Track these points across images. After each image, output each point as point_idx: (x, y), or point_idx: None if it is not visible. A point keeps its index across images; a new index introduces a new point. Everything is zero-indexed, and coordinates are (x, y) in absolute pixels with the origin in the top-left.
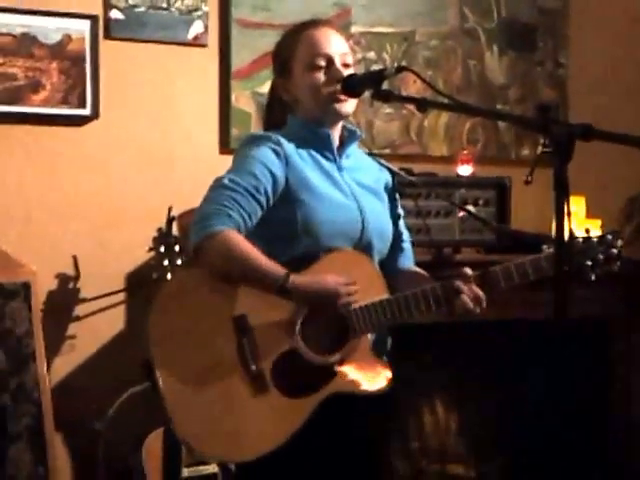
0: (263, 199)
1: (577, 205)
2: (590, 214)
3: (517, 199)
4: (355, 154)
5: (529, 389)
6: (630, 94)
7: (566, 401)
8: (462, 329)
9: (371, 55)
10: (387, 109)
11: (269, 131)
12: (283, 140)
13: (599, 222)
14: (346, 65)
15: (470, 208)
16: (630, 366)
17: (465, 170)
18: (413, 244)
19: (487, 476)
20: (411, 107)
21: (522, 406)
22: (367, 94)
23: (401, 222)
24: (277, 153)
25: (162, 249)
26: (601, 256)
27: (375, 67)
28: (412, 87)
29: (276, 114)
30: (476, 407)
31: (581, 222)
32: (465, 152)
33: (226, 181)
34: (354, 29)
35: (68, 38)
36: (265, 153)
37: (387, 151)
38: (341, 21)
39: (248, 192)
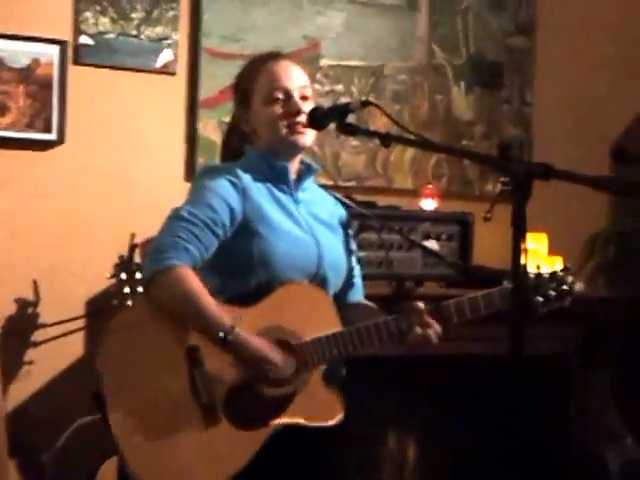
0: (220, 232)
1: (539, 242)
2: (552, 251)
3: (480, 234)
4: (311, 188)
5: (486, 423)
6: (593, 134)
7: (523, 435)
8: (421, 362)
9: (339, 88)
10: (354, 142)
11: (226, 161)
12: (240, 172)
13: (561, 259)
14: (305, 98)
15: (429, 243)
16: (588, 400)
17: (429, 204)
18: (364, 278)
19: None
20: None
21: (479, 440)
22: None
23: (354, 257)
24: (235, 185)
25: (123, 276)
26: (552, 292)
27: (343, 100)
28: (379, 121)
29: (234, 144)
30: (432, 439)
31: (543, 259)
32: (429, 186)
33: (184, 213)
34: (323, 62)
35: (36, 63)
36: (223, 185)
37: (353, 183)
38: (310, 54)
39: (206, 225)
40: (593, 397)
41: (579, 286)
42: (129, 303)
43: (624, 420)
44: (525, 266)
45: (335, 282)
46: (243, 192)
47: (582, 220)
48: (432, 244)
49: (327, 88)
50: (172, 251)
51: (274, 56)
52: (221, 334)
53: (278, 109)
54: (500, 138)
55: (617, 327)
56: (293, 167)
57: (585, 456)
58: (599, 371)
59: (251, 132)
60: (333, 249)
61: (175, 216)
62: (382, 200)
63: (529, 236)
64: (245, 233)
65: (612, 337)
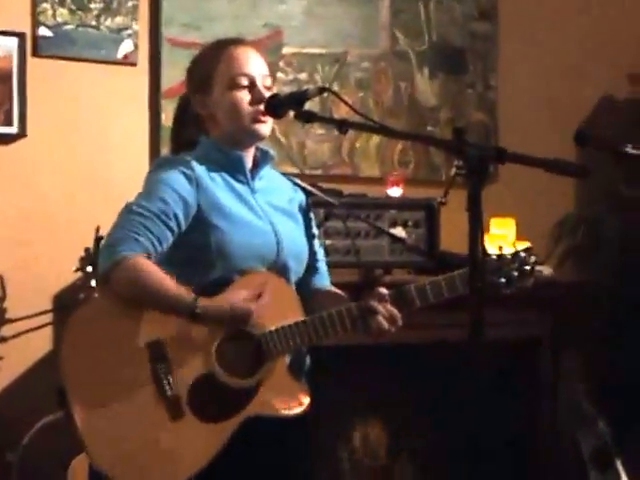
0: (173, 224)
1: (507, 227)
2: (520, 236)
3: (447, 220)
4: (268, 175)
5: (455, 409)
6: (559, 117)
7: (494, 420)
8: (385, 350)
9: (303, 76)
10: (319, 130)
11: (178, 150)
12: (194, 164)
13: (528, 244)
14: (267, 88)
15: (396, 230)
16: (558, 385)
17: (395, 191)
18: (332, 266)
19: None
20: None
21: (448, 426)
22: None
23: (316, 241)
24: (188, 177)
25: (89, 269)
26: (515, 273)
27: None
28: (345, 108)
29: (187, 132)
30: (399, 427)
31: (511, 244)
32: (395, 173)
33: (134, 206)
34: (286, 50)
35: None
36: (175, 177)
37: (319, 172)
38: (272, 42)
39: (157, 217)
40: (563, 381)
41: (547, 270)
42: (94, 296)
43: (595, 404)
44: (484, 248)
45: (296, 269)
46: (197, 184)
47: (550, 205)
48: (399, 231)
49: (290, 77)
50: (124, 244)
51: (236, 41)
52: (189, 306)
53: (242, 96)
54: (465, 123)
55: (586, 311)
56: (249, 156)
57: (557, 441)
58: (569, 355)
59: (209, 119)
60: (292, 236)
61: (127, 210)
62: (348, 188)
63: (497, 222)
64: (201, 225)
65: (581, 321)
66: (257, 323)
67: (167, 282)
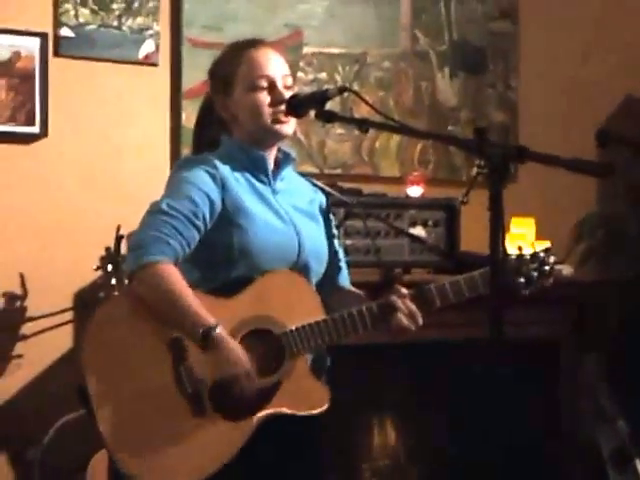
0: (201, 224)
1: (527, 227)
2: (540, 236)
3: (467, 220)
4: (289, 176)
5: (475, 409)
6: (579, 118)
7: (514, 420)
8: (408, 349)
9: (323, 76)
10: (339, 129)
11: (200, 150)
12: (218, 163)
13: (548, 244)
14: (287, 87)
15: (416, 230)
16: (578, 383)
17: (415, 191)
18: (352, 265)
19: None
20: None
21: (467, 425)
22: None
23: (335, 242)
24: (213, 177)
25: (109, 268)
26: (534, 273)
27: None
28: (365, 107)
29: (209, 133)
30: (418, 426)
31: (530, 244)
32: (415, 173)
33: (164, 206)
34: (306, 50)
35: (17, 55)
36: (201, 177)
37: (338, 171)
38: (293, 42)
39: (187, 218)
40: (584, 380)
41: (568, 270)
42: (116, 294)
43: (615, 402)
44: (505, 248)
45: (317, 270)
46: (222, 183)
47: (570, 204)
48: (418, 231)
49: (311, 76)
50: (154, 246)
51: (255, 43)
52: (201, 333)
53: (262, 97)
54: (485, 123)
55: (607, 310)
56: (271, 157)
57: (577, 439)
58: (589, 354)
59: (231, 120)
60: (313, 237)
61: (156, 210)
62: (368, 188)
63: (517, 221)
64: (224, 225)
65: (602, 320)
66: (278, 322)
67: (190, 297)
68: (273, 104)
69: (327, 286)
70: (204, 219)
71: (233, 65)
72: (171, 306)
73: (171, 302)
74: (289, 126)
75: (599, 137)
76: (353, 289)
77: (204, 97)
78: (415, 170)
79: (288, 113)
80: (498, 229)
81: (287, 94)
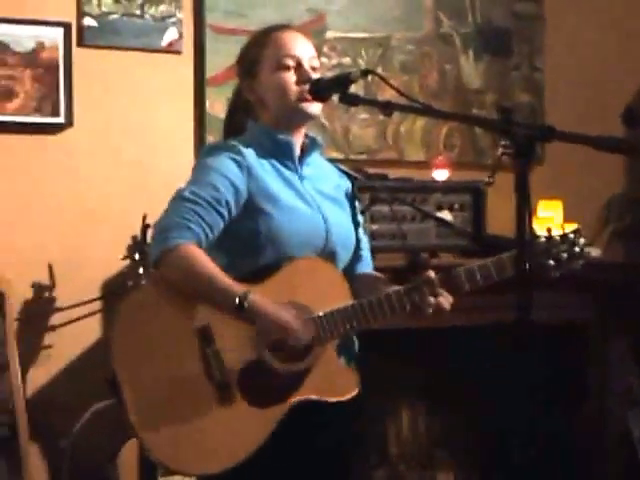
0: (225, 211)
1: (555, 209)
2: (568, 218)
3: (493, 203)
4: (315, 162)
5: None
6: (605, 98)
7: (544, 403)
8: (438, 333)
9: (346, 60)
10: (363, 114)
11: (229, 137)
12: (244, 150)
13: (577, 225)
14: (313, 68)
15: (442, 213)
16: (606, 369)
17: (441, 175)
18: (378, 250)
19: None
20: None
21: (496, 410)
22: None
23: (360, 229)
24: (238, 163)
25: (137, 257)
26: (564, 254)
27: None
28: (389, 91)
29: (238, 119)
30: (447, 411)
31: (559, 226)
32: (441, 157)
33: (187, 193)
34: (329, 34)
35: (41, 46)
36: (226, 164)
37: (363, 157)
38: (316, 27)
39: (209, 204)
40: (613, 363)
41: (596, 252)
42: (143, 283)
43: None
44: (532, 230)
45: (344, 256)
46: (247, 170)
47: (598, 186)
48: (445, 214)
49: (334, 61)
50: (176, 231)
51: (281, 27)
52: (237, 300)
53: (289, 76)
54: (511, 105)
55: (636, 292)
56: (297, 141)
57: (607, 422)
58: (618, 337)
59: (257, 102)
60: (340, 224)
61: (179, 197)
62: (394, 172)
63: (545, 204)
64: (251, 211)
65: (631, 302)
66: (306, 308)
67: (217, 272)
68: (299, 82)
69: (347, 274)
70: (228, 205)
71: (259, 48)
72: (200, 282)
73: (200, 278)
74: (316, 106)
75: (625, 116)
76: (376, 273)
77: (235, 86)
78: (440, 154)
79: (311, 96)
80: (524, 209)
81: (314, 75)
